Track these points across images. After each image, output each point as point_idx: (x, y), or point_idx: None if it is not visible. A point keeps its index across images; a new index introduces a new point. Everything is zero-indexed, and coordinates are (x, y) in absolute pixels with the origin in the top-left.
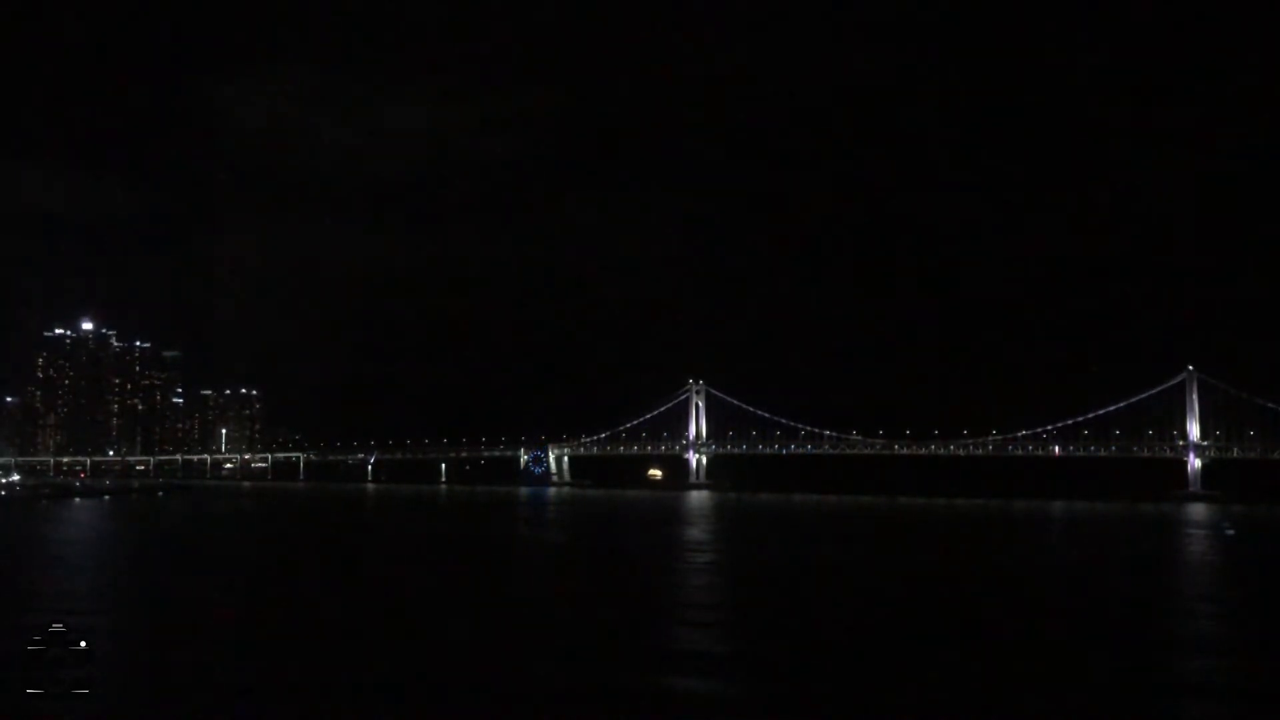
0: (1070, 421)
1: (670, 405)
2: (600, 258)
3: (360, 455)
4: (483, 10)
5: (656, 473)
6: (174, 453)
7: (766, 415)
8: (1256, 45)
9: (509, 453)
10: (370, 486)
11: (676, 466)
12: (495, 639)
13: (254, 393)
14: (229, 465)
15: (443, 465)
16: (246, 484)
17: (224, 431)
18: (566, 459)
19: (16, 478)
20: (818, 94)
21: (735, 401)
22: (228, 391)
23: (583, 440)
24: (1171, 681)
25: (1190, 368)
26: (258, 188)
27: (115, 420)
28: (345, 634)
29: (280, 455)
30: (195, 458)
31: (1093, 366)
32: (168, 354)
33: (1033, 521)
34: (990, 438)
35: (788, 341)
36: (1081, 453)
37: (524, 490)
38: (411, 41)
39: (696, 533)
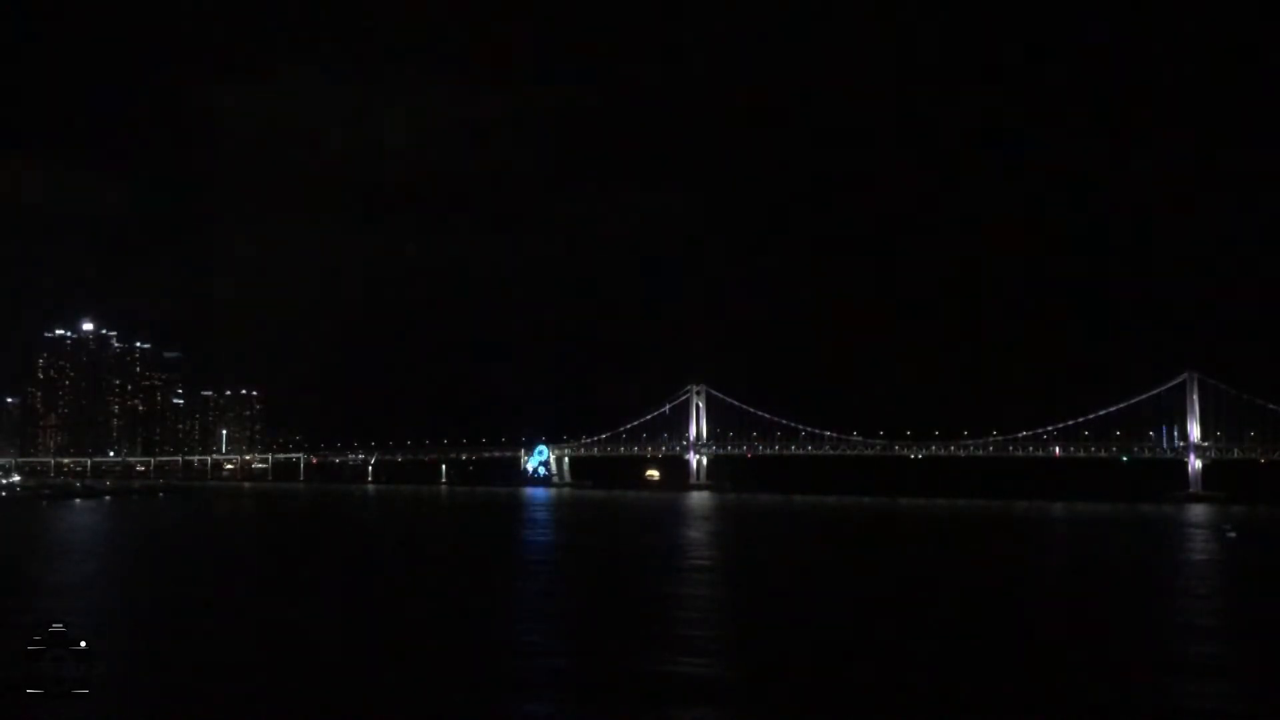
0: (1070, 422)
1: (671, 406)
2: (601, 257)
3: (360, 456)
4: (484, 9)
5: (654, 473)
6: (174, 453)
7: (767, 416)
8: (1255, 46)
9: (509, 453)
10: (371, 487)
11: (677, 467)
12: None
13: (254, 393)
14: (229, 466)
15: (443, 466)
16: (247, 485)
17: (224, 432)
18: (567, 459)
19: (17, 478)
20: (820, 94)
21: (735, 402)
22: (228, 392)
23: (583, 441)
24: (1170, 704)
25: (1190, 368)
26: (258, 188)
27: (116, 421)
28: (338, 641)
29: (281, 456)
30: (196, 459)
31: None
32: (168, 354)
33: (1033, 522)
34: (990, 438)
35: (788, 342)
36: (1082, 453)
37: (525, 491)
38: (411, 40)
39: (697, 534)
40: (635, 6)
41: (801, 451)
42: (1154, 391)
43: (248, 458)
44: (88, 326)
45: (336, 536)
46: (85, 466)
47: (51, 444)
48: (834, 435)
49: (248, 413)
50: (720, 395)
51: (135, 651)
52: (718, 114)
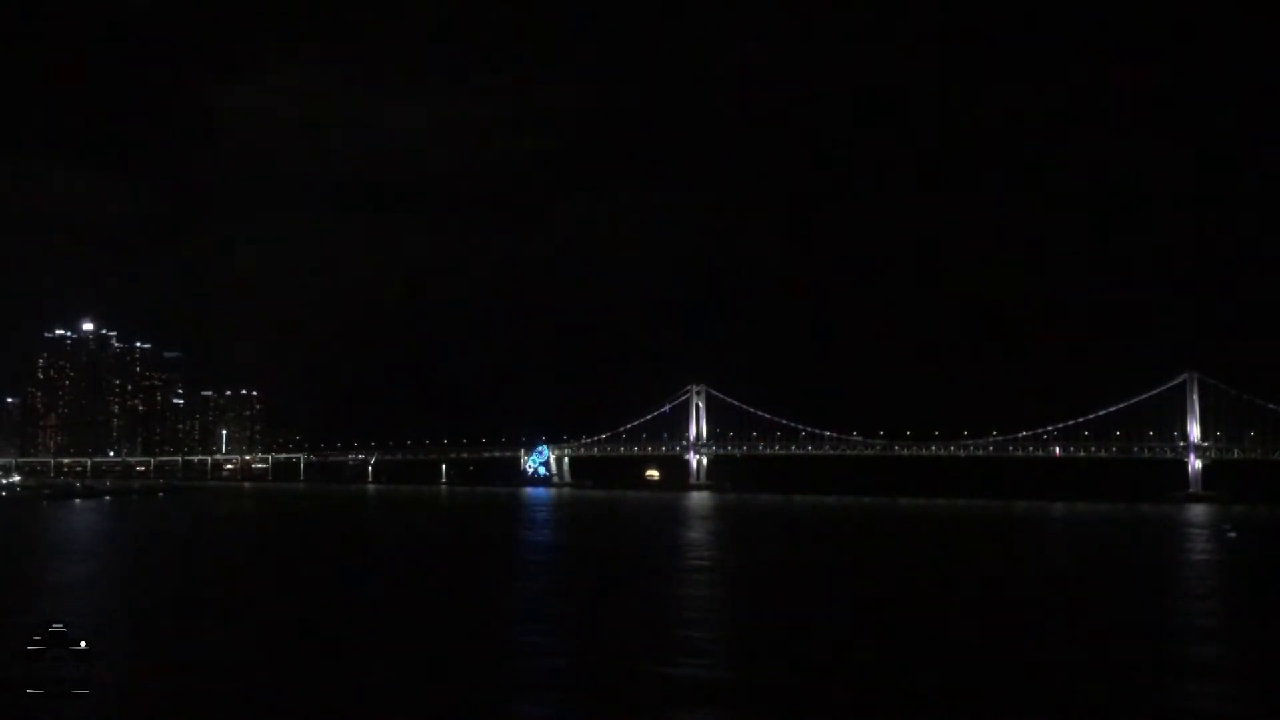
0: (1070, 422)
1: (671, 406)
2: (602, 258)
3: (361, 456)
4: (484, 8)
5: (654, 473)
6: (174, 453)
7: (766, 416)
8: (1254, 45)
9: (509, 453)
10: (371, 487)
11: (677, 467)
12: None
13: (254, 393)
14: (229, 466)
15: (443, 466)
16: (247, 485)
17: (224, 432)
18: (567, 460)
19: (17, 478)
20: (820, 94)
21: (735, 402)
22: (228, 392)
23: (583, 441)
24: (1170, 705)
25: (1190, 368)
26: (258, 188)
27: (116, 421)
28: (338, 642)
29: (281, 456)
30: (196, 459)
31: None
32: (168, 354)
33: (1033, 522)
34: (990, 438)
35: (788, 342)
36: (1082, 453)
37: (525, 491)
38: (414, 39)
39: (697, 534)
40: (636, 7)
41: (801, 451)
42: (1154, 391)
43: (248, 458)
44: (88, 326)
45: (336, 536)
46: (85, 466)
47: (51, 444)
48: (834, 435)
49: (248, 413)
50: (720, 395)
51: (135, 651)
52: (718, 114)
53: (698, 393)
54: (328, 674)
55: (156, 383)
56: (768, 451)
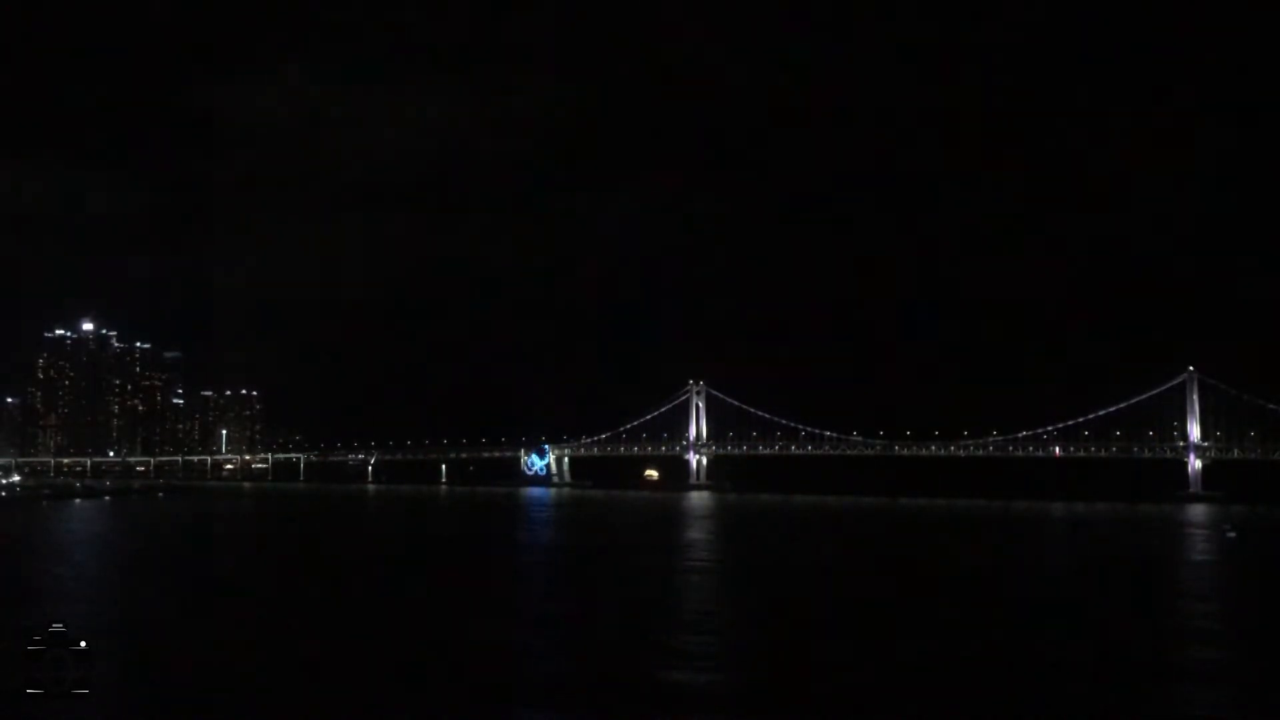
0: (1070, 422)
1: (671, 406)
2: (601, 257)
3: (361, 456)
4: (484, 9)
5: (653, 473)
6: (174, 453)
7: (766, 416)
8: (1253, 43)
9: (509, 453)
10: (371, 487)
11: (677, 467)
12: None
13: (254, 393)
14: (229, 466)
15: (443, 466)
16: (247, 485)
17: (224, 432)
18: (567, 459)
19: (17, 478)
20: (820, 94)
21: (735, 402)
22: (228, 392)
23: (583, 441)
24: (1170, 709)
25: (1190, 368)
26: (258, 188)
27: (116, 421)
28: (336, 645)
29: (281, 456)
30: (196, 458)
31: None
32: (168, 354)
33: (1033, 522)
34: (990, 438)
35: (788, 341)
36: (1082, 453)
37: (524, 491)
38: (413, 39)
39: (697, 534)
40: (637, 6)
41: (801, 451)
42: (1154, 391)
43: (248, 458)
44: (88, 326)
45: (335, 537)
46: (85, 466)
47: (51, 444)
48: (834, 435)
49: (248, 413)
50: (720, 395)
51: (134, 652)
52: (719, 114)
53: (697, 392)
54: (323, 676)
55: (156, 383)
56: (768, 451)
